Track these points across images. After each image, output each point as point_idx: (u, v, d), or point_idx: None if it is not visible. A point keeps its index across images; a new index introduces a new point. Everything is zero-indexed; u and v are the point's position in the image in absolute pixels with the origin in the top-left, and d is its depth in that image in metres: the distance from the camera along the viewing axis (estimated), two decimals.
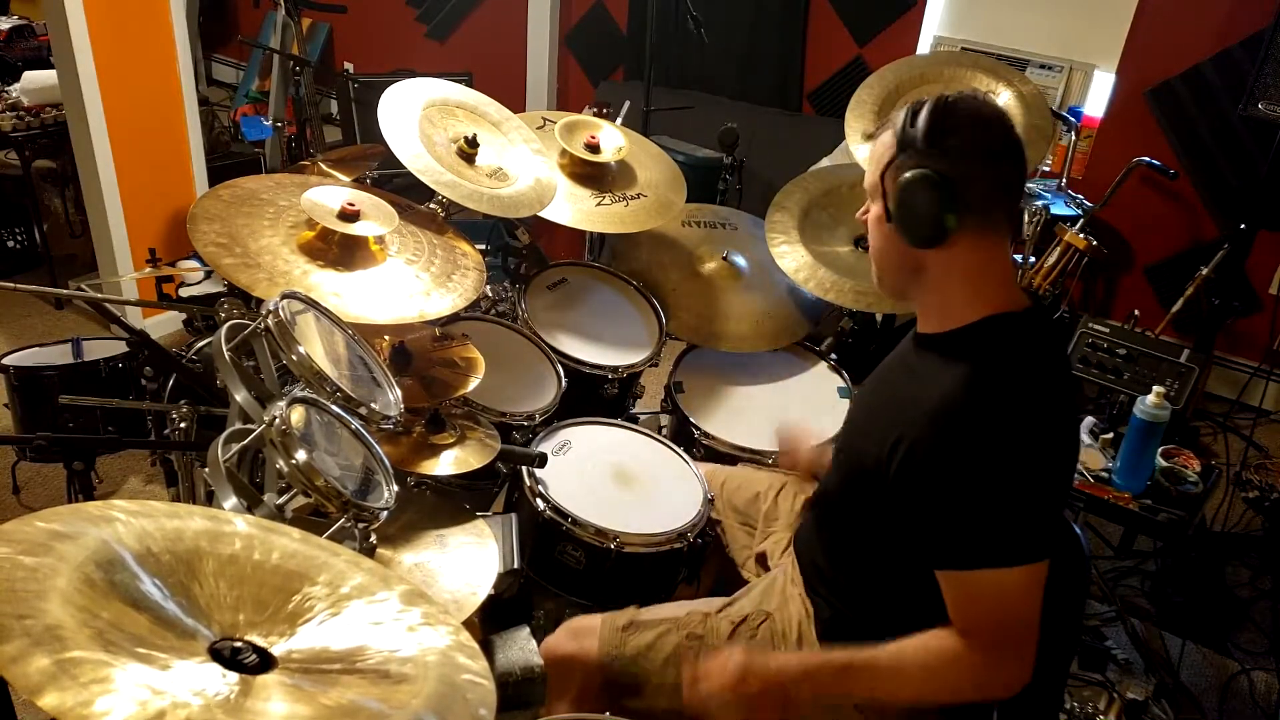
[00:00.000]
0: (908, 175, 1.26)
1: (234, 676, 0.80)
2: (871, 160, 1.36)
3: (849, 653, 1.31)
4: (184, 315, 2.78)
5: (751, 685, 1.31)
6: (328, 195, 1.77)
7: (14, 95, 3.58)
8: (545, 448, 1.93)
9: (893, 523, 1.33)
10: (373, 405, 1.36)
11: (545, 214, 2.20)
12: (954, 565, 1.26)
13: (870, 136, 1.40)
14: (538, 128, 2.41)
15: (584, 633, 1.58)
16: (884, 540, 1.38)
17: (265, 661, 0.85)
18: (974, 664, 1.25)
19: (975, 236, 1.28)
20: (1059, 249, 3.01)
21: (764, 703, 1.32)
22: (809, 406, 2.28)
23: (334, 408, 1.29)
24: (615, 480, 1.93)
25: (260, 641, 0.87)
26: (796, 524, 1.73)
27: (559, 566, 1.81)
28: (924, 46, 3.87)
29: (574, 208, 2.29)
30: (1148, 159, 3.27)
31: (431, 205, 2.04)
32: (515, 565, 1.66)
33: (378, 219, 1.78)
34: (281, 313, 1.30)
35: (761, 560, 1.78)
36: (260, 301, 1.50)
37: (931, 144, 1.25)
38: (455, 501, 1.74)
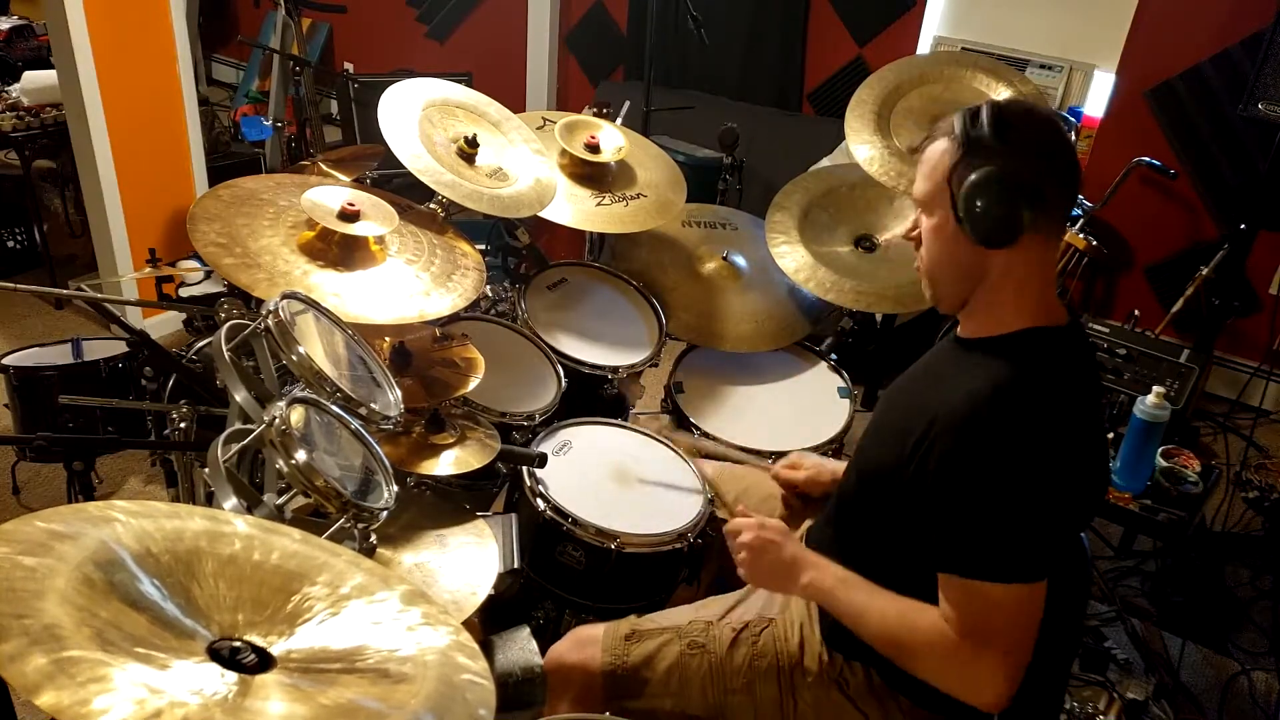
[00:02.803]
0: (980, 171, 1.25)
1: (233, 676, 0.80)
2: (925, 170, 1.34)
3: (856, 578, 1.37)
4: (184, 315, 2.78)
5: (771, 547, 1.43)
6: (328, 195, 1.77)
7: (14, 95, 3.58)
8: (545, 448, 1.93)
9: (906, 524, 1.33)
10: (373, 405, 1.35)
11: (545, 214, 2.20)
12: (953, 570, 1.26)
13: (916, 150, 1.39)
14: (537, 128, 2.41)
15: (587, 642, 1.57)
16: (896, 541, 1.37)
17: (264, 661, 0.85)
18: (956, 662, 1.25)
19: (1037, 236, 1.28)
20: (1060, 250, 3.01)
21: (769, 567, 1.43)
22: (809, 406, 2.28)
23: (334, 408, 1.29)
24: (615, 480, 1.93)
25: (259, 641, 0.87)
26: (809, 523, 1.73)
27: (559, 566, 1.80)
28: (924, 46, 3.87)
29: (574, 208, 2.28)
30: (1148, 159, 3.27)
31: (431, 205, 2.04)
32: (515, 565, 1.66)
33: (378, 219, 1.78)
34: (281, 313, 1.30)
35: None
36: (260, 301, 1.50)
37: (999, 140, 1.25)
38: (455, 501, 1.74)
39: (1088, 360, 1.39)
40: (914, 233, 1.40)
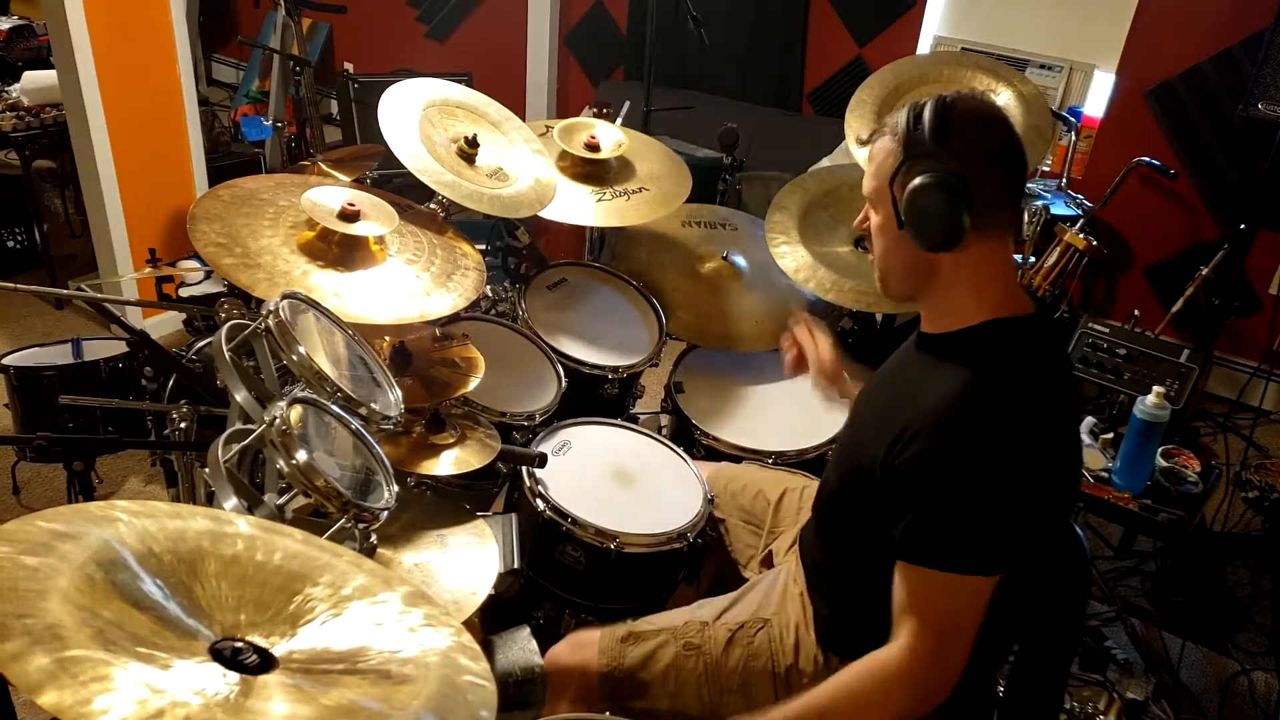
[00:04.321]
0: (920, 178, 1.25)
1: (234, 676, 0.80)
2: (872, 167, 1.35)
3: (795, 703, 1.33)
4: (184, 315, 2.78)
5: None
6: (328, 195, 1.77)
7: (14, 95, 3.58)
8: (545, 448, 1.93)
9: (882, 520, 1.33)
10: (373, 405, 1.36)
11: (547, 213, 2.20)
12: (908, 557, 1.26)
13: (865, 142, 1.39)
14: (540, 134, 2.40)
15: (584, 644, 1.58)
16: (880, 539, 1.38)
17: (266, 662, 0.85)
18: (906, 671, 1.25)
19: (985, 237, 1.27)
20: (1059, 249, 3.01)
21: None
22: (809, 406, 2.28)
23: (334, 408, 1.29)
24: (615, 480, 1.93)
25: (261, 642, 0.87)
26: (803, 522, 1.74)
27: (559, 567, 1.80)
28: (924, 46, 3.87)
29: (575, 205, 2.28)
30: (1148, 159, 3.27)
31: (431, 205, 2.04)
32: (515, 565, 1.66)
33: (378, 219, 1.78)
34: (281, 313, 1.30)
35: (767, 561, 1.79)
36: (260, 301, 1.50)
37: (940, 144, 1.24)
38: (455, 501, 1.74)
39: (1056, 348, 1.38)
40: (865, 225, 1.40)
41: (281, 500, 1.21)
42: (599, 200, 2.33)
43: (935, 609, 1.25)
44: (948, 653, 1.25)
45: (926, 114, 1.26)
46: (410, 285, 1.78)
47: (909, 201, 1.27)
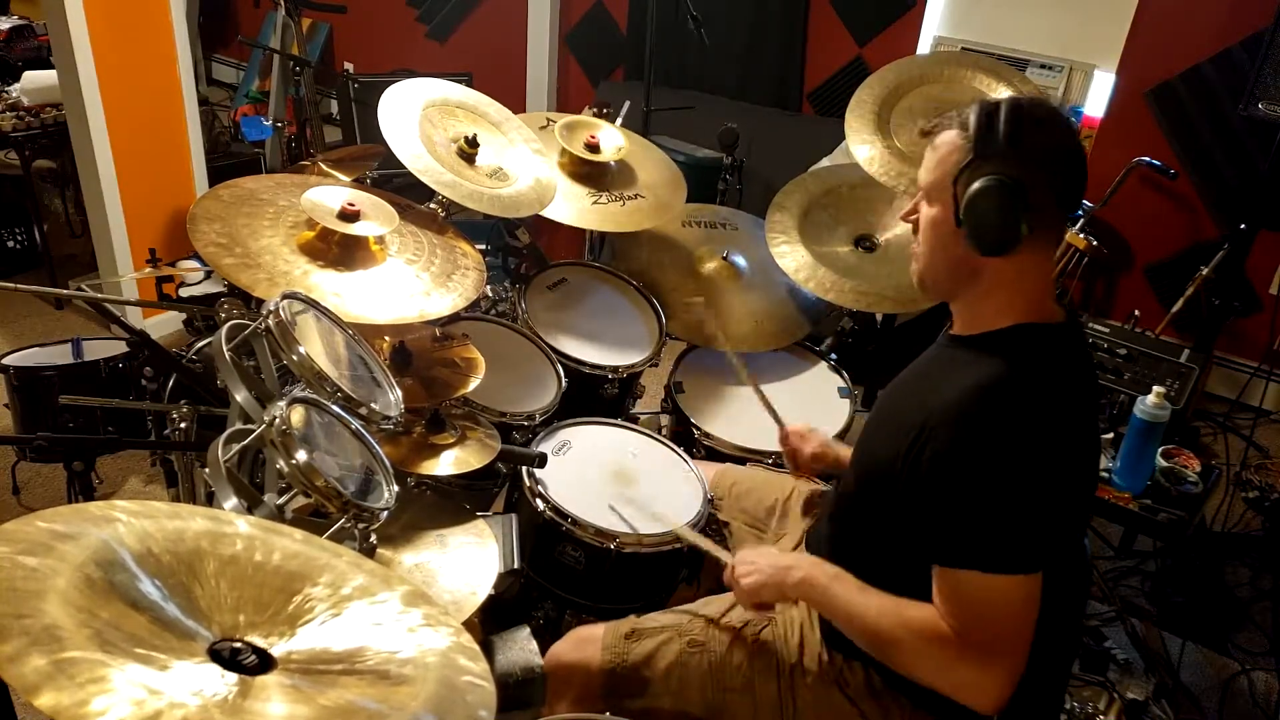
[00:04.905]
0: (987, 180, 1.23)
1: (233, 677, 0.80)
2: (934, 159, 1.32)
3: (849, 576, 1.34)
4: (184, 315, 2.78)
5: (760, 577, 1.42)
6: (328, 195, 1.77)
7: (14, 95, 3.58)
8: (545, 448, 1.93)
9: (902, 523, 1.33)
10: (373, 405, 1.35)
11: (543, 211, 2.20)
12: (943, 561, 1.25)
13: (927, 132, 1.36)
14: (541, 127, 2.40)
15: (587, 641, 1.57)
16: (894, 540, 1.37)
17: (265, 662, 0.85)
18: (952, 660, 1.24)
19: (1035, 246, 1.27)
20: (1059, 249, 3.01)
21: (765, 590, 1.43)
22: (809, 406, 2.28)
23: (334, 408, 1.29)
24: (615, 480, 1.93)
25: (260, 642, 0.87)
26: (808, 525, 1.73)
27: (559, 567, 1.80)
28: (924, 46, 3.87)
29: (570, 206, 2.28)
30: (1148, 159, 3.27)
31: (431, 205, 2.04)
32: (515, 565, 1.66)
33: (378, 219, 1.78)
34: (282, 313, 1.30)
35: None
36: (260, 301, 1.50)
37: (1014, 148, 1.23)
38: (455, 501, 1.74)
39: (1083, 357, 1.38)
40: (913, 216, 1.39)
41: (281, 500, 1.21)
42: (594, 203, 2.33)
43: (970, 611, 1.23)
44: (990, 653, 1.22)
45: (1001, 115, 1.24)
46: (410, 285, 1.78)
47: (971, 201, 1.25)
